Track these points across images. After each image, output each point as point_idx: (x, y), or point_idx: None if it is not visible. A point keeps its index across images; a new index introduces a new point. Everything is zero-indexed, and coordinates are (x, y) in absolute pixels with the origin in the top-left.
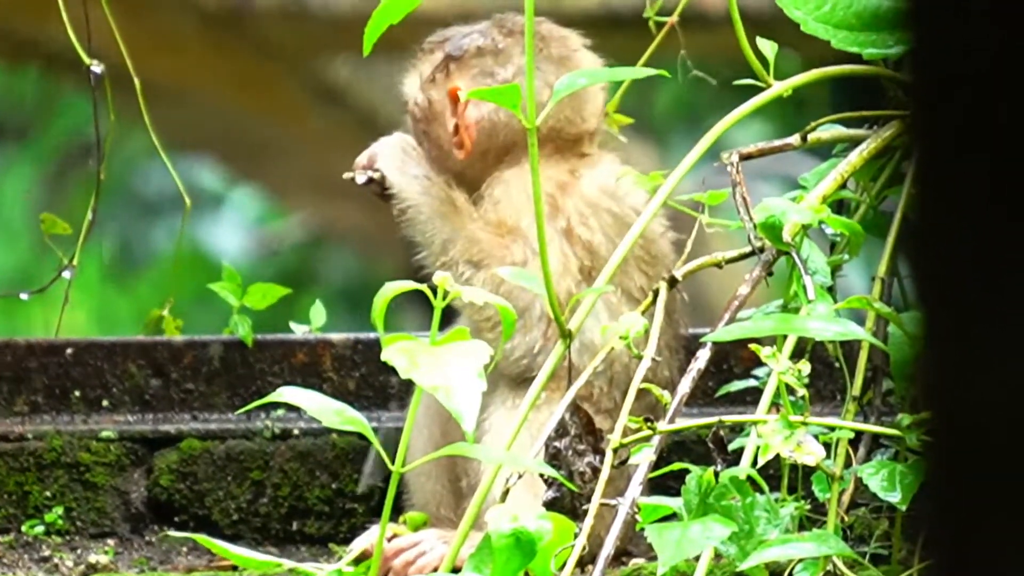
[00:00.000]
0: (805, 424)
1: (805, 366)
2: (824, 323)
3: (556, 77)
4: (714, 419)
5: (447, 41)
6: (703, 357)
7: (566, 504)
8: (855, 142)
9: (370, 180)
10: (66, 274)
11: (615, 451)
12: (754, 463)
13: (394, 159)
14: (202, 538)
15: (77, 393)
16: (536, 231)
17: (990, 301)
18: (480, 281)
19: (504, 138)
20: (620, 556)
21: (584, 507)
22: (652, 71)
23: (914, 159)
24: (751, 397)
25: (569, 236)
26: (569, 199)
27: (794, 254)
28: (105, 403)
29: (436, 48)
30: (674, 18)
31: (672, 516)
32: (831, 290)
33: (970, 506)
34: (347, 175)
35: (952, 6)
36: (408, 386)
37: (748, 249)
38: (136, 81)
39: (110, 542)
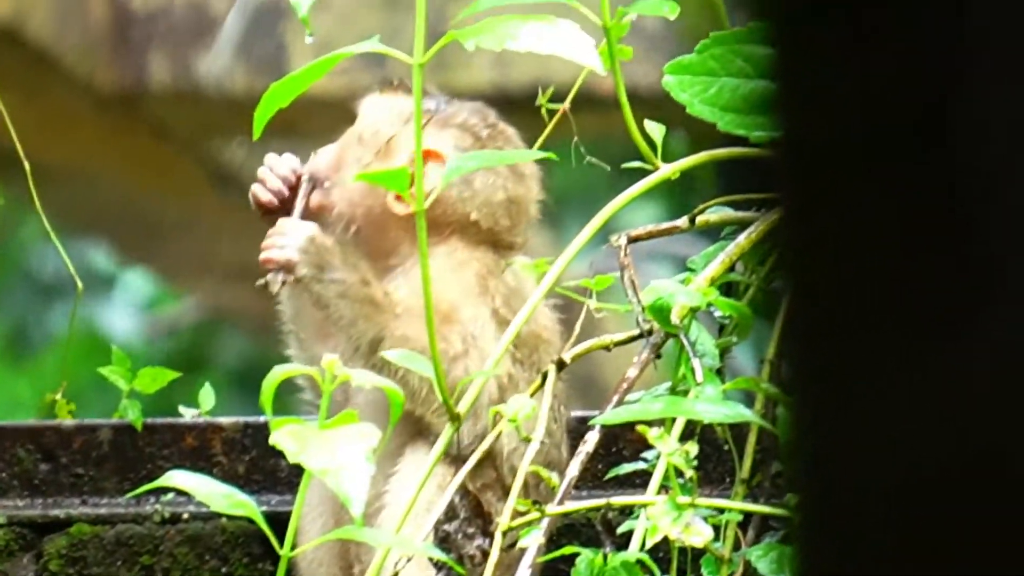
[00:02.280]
0: (694, 506)
1: (693, 448)
2: (713, 405)
3: (506, 180)
4: (603, 501)
5: (430, 95)
6: (592, 440)
7: None
8: (743, 224)
9: (283, 283)
10: None
11: (504, 534)
12: (643, 546)
13: (311, 266)
14: None
15: None
16: (470, 314)
17: (849, 382)
18: (418, 379)
19: (442, 214)
20: None
21: None
22: (542, 154)
23: (779, 239)
24: (640, 479)
25: (496, 318)
26: (494, 281)
27: (683, 336)
28: None
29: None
30: (566, 105)
31: None
32: (720, 372)
33: None
34: (260, 282)
35: (814, 92)
36: (299, 470)
37: (637, 332)
38: (26, 164)
39: None
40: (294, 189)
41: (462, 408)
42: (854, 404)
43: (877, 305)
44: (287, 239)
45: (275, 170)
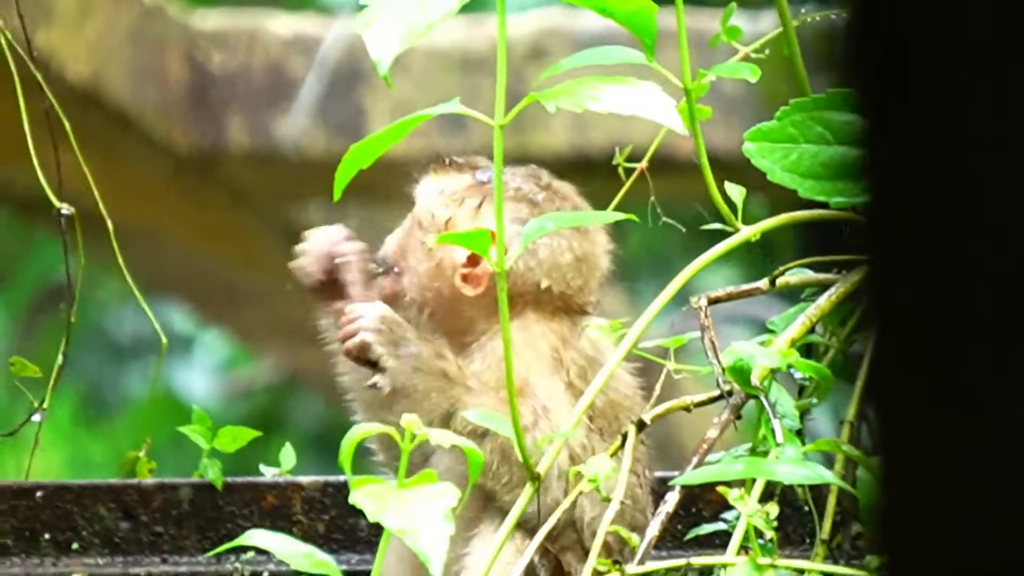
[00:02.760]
0: (774, 567)
1: (773, 509)
2: (793, 467)
3: (571, 239)
4: (683, 561)
5: (478, 168)
6: (672, 500)
7: None
8: (823, 286)
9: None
10: (36, 417)
11: None
12: None
13: (386, 344)
14: None
15: (47, 536)
16: (543, 388)
17: (944, 447)
18: (489, 451)
19: (513, 287)
20: None
21: None
22: (621, 215)
23: (870, 305)
24: (720, 540)
25: (571, 390)
26: (568, 352)
27: (763, 398)
28: (75, 546)
29: (465, 169)
30: (644, 164)
31: None
32: (800, 433)
33: None
34: (369, 384)
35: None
36: (378, 529)
37: (717, 393)
38: (109, 223)
39: None
40: (336, 264)
41: (541, 469)
42: (945, 466)
43: (967, 367)
44: (359, 322)
45: (312, 248)
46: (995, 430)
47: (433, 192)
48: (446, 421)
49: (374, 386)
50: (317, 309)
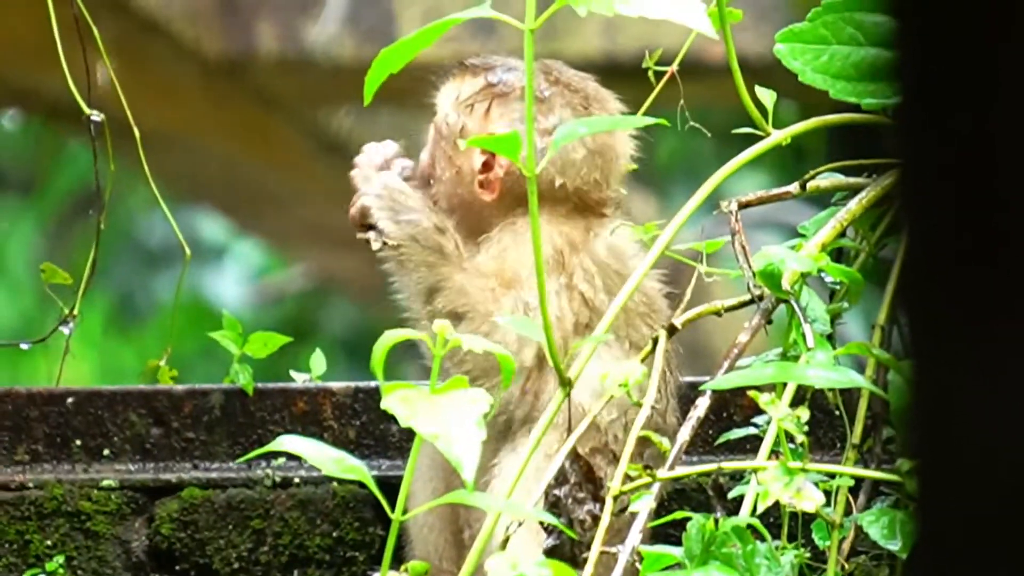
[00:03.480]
0: (805, 471)
1: (804, 413)
2: (823, 371)
3: (593, 139)
4: (714, 466)
5: (491, 70)
6: (703, 405)
7: (566, 552)
8: (854, 190)
9: (382, 243)
10: (64, 329)
11: (615, 499)
12: (754, 511)
13: (385, 209)
14: None
15: (78, 442)
16: (534, 284)
17: (976, 350)
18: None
19: (524, 188)
20: None
21: (584, 555)
22: (651, 120)
23: (901, 208)
24: (751, 445)
25: (569, 292)
26: (576, 257)
27: (793, 302)
28: (106, 452)
29: (479, 72)
30: (673, 67)
31: (674, 565)
32: (830, 338)
33: (953, 552)
34: (361, 236)
35: (939, 57)
36: (409, 435)
37: (747, 297)
38: (136, 131)
39: None
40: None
41: (572, 374)
42: (976, 368)
43: (998, 269)
44: (363, 187)
45: (364, 161)
46: None
47: (449, 99)
48: (430, 295)
49: (367, 242)
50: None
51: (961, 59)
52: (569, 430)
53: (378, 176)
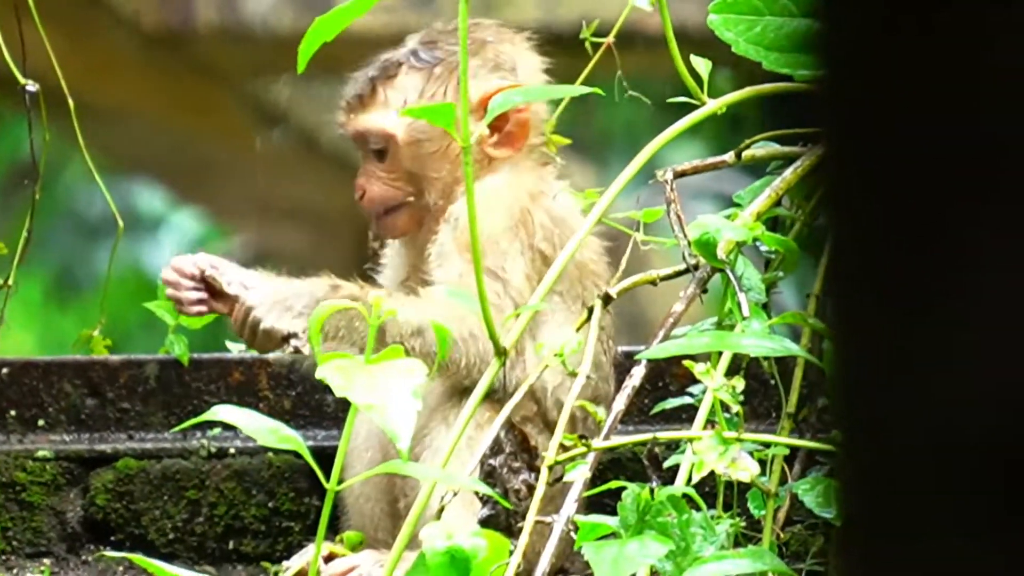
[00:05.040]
0: (740, 441)
1: (740, 383)
2: (758, 340)
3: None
4: (649, 436)
5: (411, 58)
6: (638, 374)
7: (501, 521)
8: (789, 160)
9: (296, 349)
10: None
11: (550, 468)
12: (689, 480)
13: (277, 310)
14: (138, 558)
15: (13, 413)
16: (503, 248)
17: (890, 316)
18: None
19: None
20: (557, 574)
21: (519, 524)
22: (588, 89)
23: (822, 180)
24: (686, 414)
25: (532, 252)
26: (538, 213)
27: (728, 271)
28: (41, 422)
29: (398, 68)
30: (610, 38)
31: (609, 534)
32: (766, 307)
33: (875, 522)
34: (288, 351)
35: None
36: (345, 405)
37: (683, 267)
38: (71, 102)
39: (46, 561)
40: (207, 281)
41: (507, 344)
42: (894, 346)
43: (919, 244)
44: (241, 306)
45: (180, 285)
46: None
47: (387, 117)
48: (383, 336)
49: (298, 351)
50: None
51: (880, 26)
52: (504, 400)
53: (239, 282)
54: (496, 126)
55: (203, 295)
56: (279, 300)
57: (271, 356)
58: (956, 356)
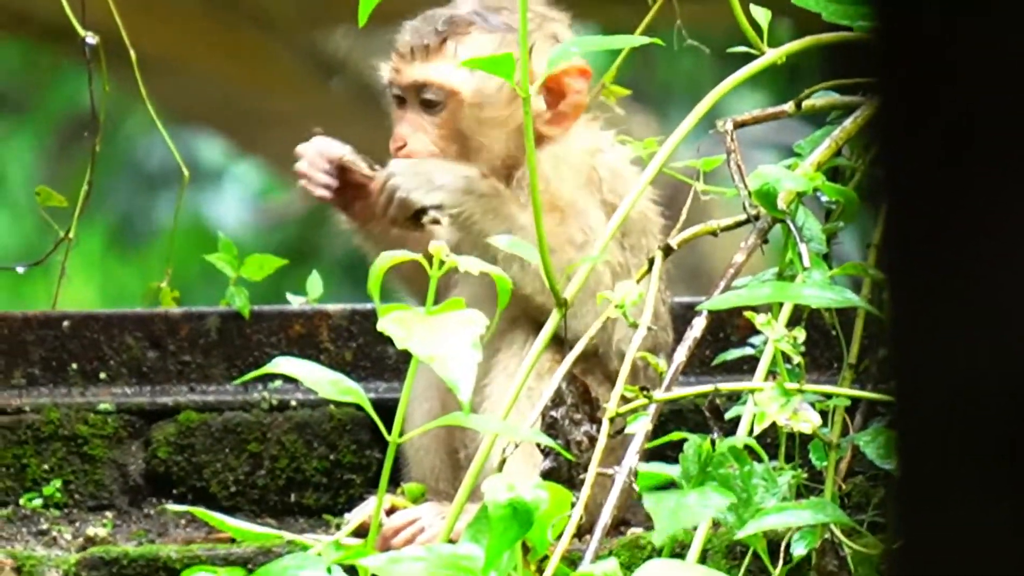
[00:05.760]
0: (801, 392)
1: (800, 333)
2: (819, 290)
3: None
4: (710, 387)
5: (474, 23)
6: (699, 325)
7: (563, 473)
8: (849, 109)
9: (439, 216)
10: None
11: (611, 420)
12: (751, 431)
13: (420, 186)
14: (200, 511)
15: (74, 366)
16: (584, 206)
17: (950, 277)
18: (537, 269)
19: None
20: (618, 525)
21: (581, 476)
22: (647, 39)
23: (876, 135)
24: (748, 366)
25: (605, 207)
26: (600, 168)
27: (789, 221)
28: (102, 375)
29: (469, 27)
30: None
31: (670, 484)
32: (827, 257)
33: (930, 478)
34: (414, 227)
35: None
36: (405, 357)
37: (743, 217)
38: (132, 53)
39: (108, 515)
40: (343, 168)
41: (569, 294)
42: (948, 304)
43: (976, 189)
44: (389, 183)
45: (310, 159)
46: (1002, 271)
47: (447, 70)
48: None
49: (436, 221)
50: (339, 216)
51: None
52: (566, 351)
53: (391, 165)
54: (551, 102)
55: (332, 181)
56: (421, 172)
57: (332, 308)
58: (995, 318)
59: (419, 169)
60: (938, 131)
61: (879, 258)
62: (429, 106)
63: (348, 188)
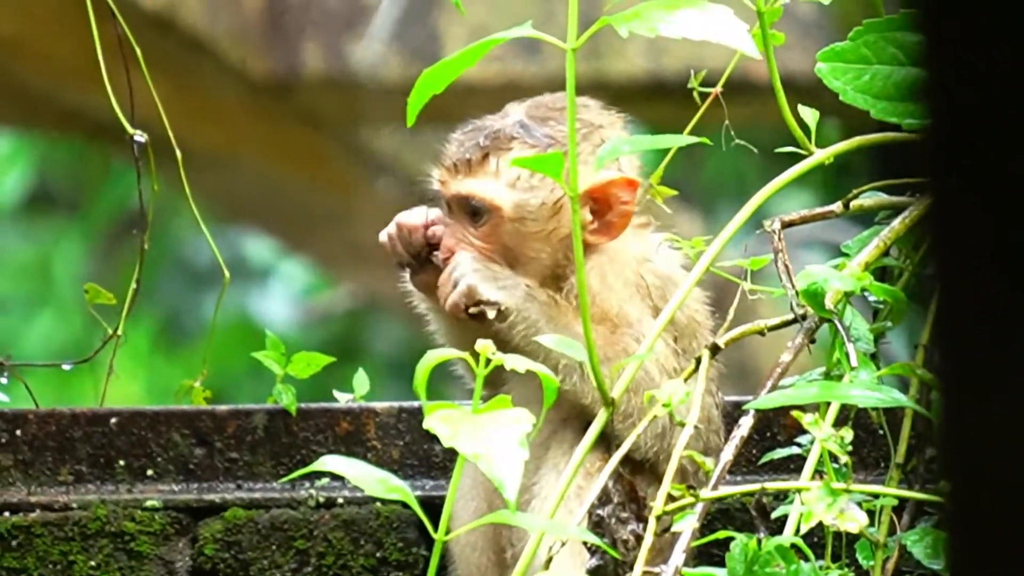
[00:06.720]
0: (848, 491)
1: (848, 433)
2: (867, 390)
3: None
4: (757, 486)
5: (517, 137)
6: (746, 424)
7: (609, 572)
8: (897, 209)
9: (497, 311)
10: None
11: (658, 519)
12: (798, 531)
13: (488, 280)
14: None
15: (121, 462)
16: (637, 316)
17: (1004, 372)
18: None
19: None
20: None
21: (627, 575)
22: (694, 139)
23: (931, 230)
24: (794, 464)
25: (655, 313)
26: (648, 276)
27: (836, 321)
28: (149, 472)
29: (511, 141)
30: (718, 88)
31: None
32: (874, 357)
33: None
34: (475, 311)
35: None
36: (452, 454)
37: (791, 316)
38: (178, 152)
39: None
40: (428, 240)
41: (615, 394)
42: (1002, 399)
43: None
44: (457, 271)
45: (403, 226)
46: None
47: (496, 189)
48: (548, 351)
49: (476, 316)
50: (409, 287)
51: (989, 77)
52: (612, 450)
53: (459, 255)
54: (597, 212)
55: (410, 259)
56: (485, 269)
57: (379, 405)
58: None
59: (485, 265)
60: (992, 231)
61: (928, 358)
62: (475, 216)
63: (426, 267)
